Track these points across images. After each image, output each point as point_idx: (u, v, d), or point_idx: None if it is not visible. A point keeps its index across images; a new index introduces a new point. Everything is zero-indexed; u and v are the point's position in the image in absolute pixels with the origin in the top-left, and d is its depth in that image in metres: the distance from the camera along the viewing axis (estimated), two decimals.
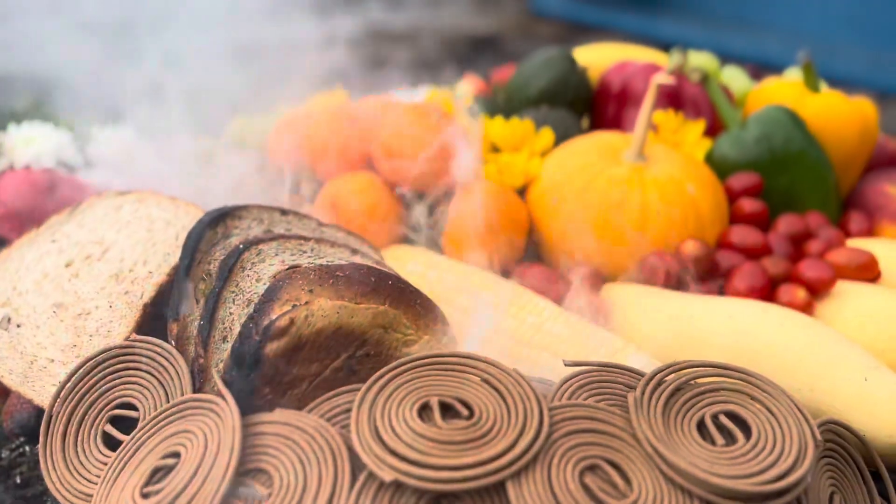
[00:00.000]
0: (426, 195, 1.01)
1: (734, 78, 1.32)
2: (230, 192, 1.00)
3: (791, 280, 0.92)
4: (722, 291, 0.94)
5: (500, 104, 1.22)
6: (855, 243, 1.00)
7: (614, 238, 0.95)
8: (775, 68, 1.47)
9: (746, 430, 0.61)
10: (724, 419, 0.62)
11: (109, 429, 0.67)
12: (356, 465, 0.58)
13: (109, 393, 0.69)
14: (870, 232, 1.07)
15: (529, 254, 1.02)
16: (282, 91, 1.20)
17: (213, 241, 0.75)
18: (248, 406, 0.63)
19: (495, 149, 1.09)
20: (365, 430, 0.58)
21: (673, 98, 1.14)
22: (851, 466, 0.67)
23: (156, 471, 0.60)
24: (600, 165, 0.99)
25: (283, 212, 0.82)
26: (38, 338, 0.77)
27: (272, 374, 0.64)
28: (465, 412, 0.60)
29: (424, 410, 0.60)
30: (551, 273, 0.92)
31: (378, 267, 0.72)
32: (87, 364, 0.69)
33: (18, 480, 0.74)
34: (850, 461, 0.67)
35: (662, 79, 0.98)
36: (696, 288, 0.93)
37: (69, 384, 0.69)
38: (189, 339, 0.71)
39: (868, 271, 0.94)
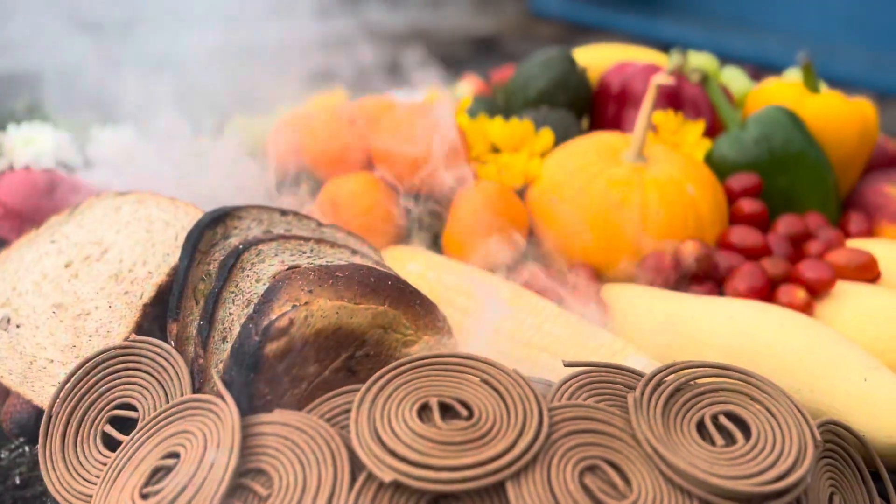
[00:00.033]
0: (426, 195, 1.01)
1: (734, 78, 1.32)
2: (230, 192, 1.00)
3: (791, 280, 0.92)
4: (722, 292, 0.94)
5: (499, 105, 1.22)
6: (854, 244, 1.00)
7: (614, 238, 0.95)
8: (775, 69, 1.47)
9: (746, 431, 0.61)
10: (723, 420, 0.62)
11: (109, 429, 0.67)
12: (356, 466, 0.58)
13: (109, 393, 0.69)
14: (869, 232, 1.07)
15: (529, 254, 1.02)
16: (282, 91, 1.20)
17: (212, 242, 0.75)
18: (248, 406, 0.63)
19: (495, 149, 1.09)
20: (364, 430, 0.58)
21: (672, 98, 1.14)
22: (851, 467, 0.67)
23: (155, 471, 0.60)
24: (600, 166, 0.99)
25: (283, 212, 0.82)
26: (38, 338, 0.77)
27: (272, 374, 0.64)
28: (464, 413, 0.60)
29: (424, 411, 0.60)
30: (551, 273, 0.92)
31: (378, 267, 0.72)
32: (87, 364, 0.69)
33: (18, 481, 0.74)
34: (850, 462, 0.67)
35: (662, 79, 0.98)
36: (695, 288, 0.93)
37: (69, 384, 0.69)
38: (188, 340, 0.71)
39: (868, 272, 0.94)
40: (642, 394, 0.62)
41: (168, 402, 0.66)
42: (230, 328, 0.68)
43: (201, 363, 0.68)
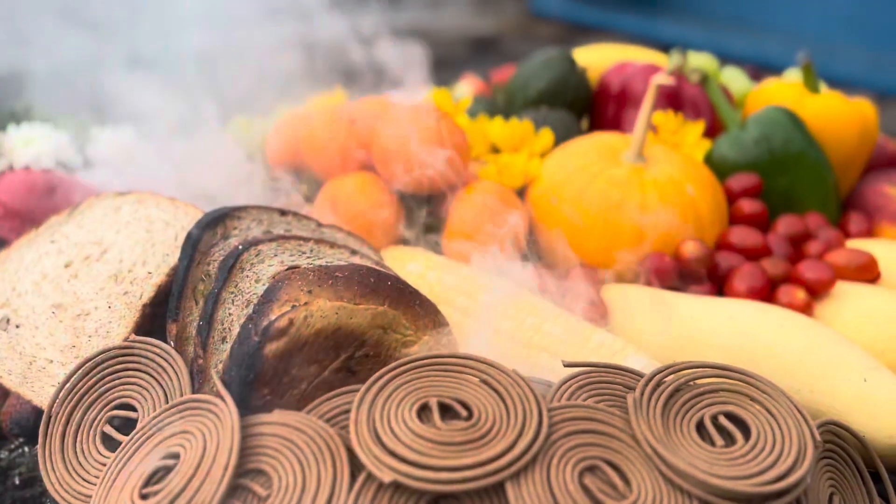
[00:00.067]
0: (426, 195, 1.01)
1: (734, 79, 1.32)
2: (229, 192, 1.00)
3: (791, 281, 0.92)
4: (721, 292, 0.94)
5: (499, 105, 1.22)
6: (854, 244, 1.00)
7: (614, 239, 0.95)
8: (775, 69, 1.47)
9: (746, 431, 0.61)
10: (723, 420, 0.62)
11: (108, 429, 0.67)
12: (355, 466, 0.58)
13: (108, 394, 0.69)
14: (869, 233, 1.07)
15: (529, 254, 1.01)
16: (281, 91, 1.20)
17: (212, 242, 0.75)
18: (247, 407, 0.63)
19: (495, 149, 1.09)
20: (364, 430, 0.58)
21: (672, 99, 1.14)
22: (851, 467, 0.67)
23: (155, 471, 0.60)
24: (600, 166, 0.99)
25: (283, 212, 0.82)
26: (37, 338, 0.77)
27: (271, 374, 0.64)
28: (464, 413, 0.59)
29: (423, 411, 0.60)
30: (550, 273, 0.92)
31: (377, 267, 0.72)
32: (87, 365, 0.69)
33: (17, 481, 0.74)
34: (850, 462, 0.67)
35: (662, 79, 0.98)
36: (695, 289, 0.93)
37: (68, 385, 0.69)
38: (188, 340, 0.71)
39: (867, 272, 0.94)
40: (642, 394, 0.62)
41: (168, 403, 0.66)
42: (230, 328, 0.68)
43: (201, 363, 0.68)
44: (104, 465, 0.65)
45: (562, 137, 1.10)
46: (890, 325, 0.85)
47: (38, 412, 0.75)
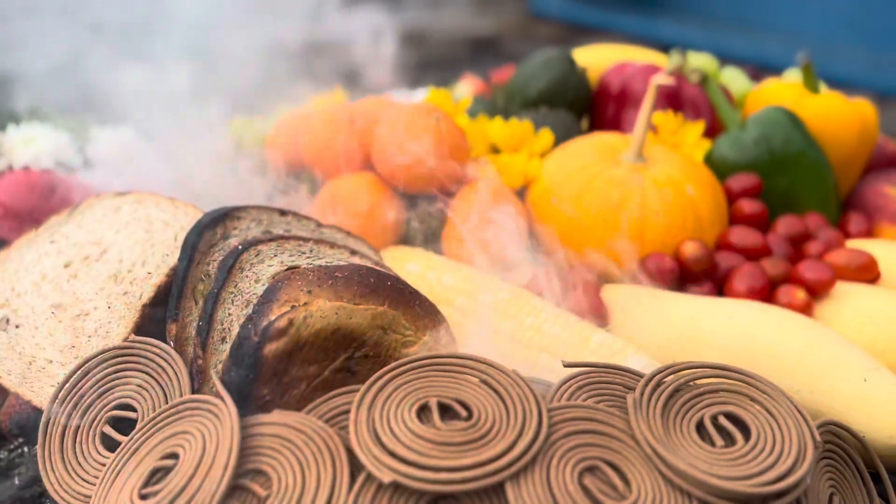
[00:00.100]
0: (426, 195, 1.01)
1: (733, 79, 1.32)
2: (229, 192, 1.00)
3: (790, 281, 0.92)
4: (721, 292, 0.94)
5: (499, 105, 1.22)
6: (854, 244, 1.00)
7: (613, 239, 0.95)
8: (775, 69, 1.47)
9: (746, 432, 0.61)
10: (723, 420, 0.62)
11: (108, 430, 0.67)
12: (355, 467, 0.58)
13: (108, 394, 0.69)
14: (869, 233, 1.07)
15: (529, 254, 1.01)
16: (281, 91, 1.20)
17: (211, 242, 0.75)
18: (247, 407, 0.63)
19: (495, 149, 1.09)
20: (363, 431, 0.58)
21: (672, 99, 1.14)
22: (851, 468, 0.67)
23: (154, 472, 0.60)
24: (599, 166, 0.99)
25: (282, 212, 0.82)
26: (37, 338, 0.77)
27: (271, 375, 0.64)
28: (463, 413, 0.59)
29: (423, 412, 0.60)
30: (550, 274, 0.92)
31: (377, 268, 0.72)
32: (86, 365, 0.69)
33: (17, 481, 0.74)
34: (850, 462, 0.67)
35: (662, 80, 0.98)
36: (695, 289, 0.93)
37: (68, 385, 0.69)
38: (188, 340, 0.71)
39: (867, 272, 0.94)
40: (642, 394, 0.62)
41: (167, 403, 0.66)
42: (229, 329, 0.68)
43: (200, 364, 0.68)
44: (104, 465, 0.65)
45: (562, 137, 1.10)
46: (890, 325, 0.85)
47: (37, 412, 0.75)
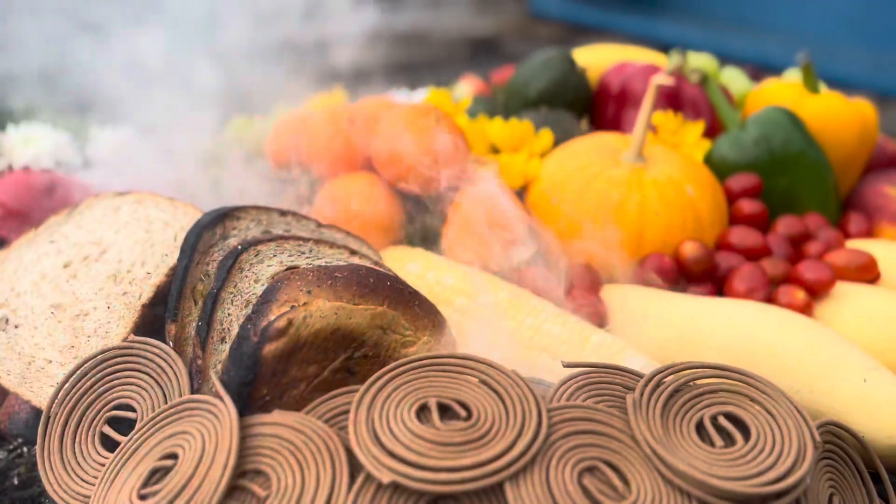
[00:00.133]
0: (425, 196, 1.00)
1: (733, 79, 1.32)
2: (229, 192, 1.00)
3: (790, 281, 0.92)
4: (721, 292, 0.94)
5: (499, 105, 1.22)
6: (854, 244, 1.00)
7: (613, 239, 0.95)
8: (775, 69, 1.47)
9: (745, 432, 0.61)
10: (722, 420, 0.62)
11: (107, 430, 0.67)
12: (354, 467, 0.58)
13: (107, 394, 0.69)
14: (869, 233, 1.07)
15: (528, 254, 1.01)
16: (281, 91, 1.20)
17: (211, 242, 0.75)
18: (246, 407, 0.63)
19: (495, 149, 1.09)
20: (363, 431, 0.58)
21: (672, 99, 1.14)
22: (851, 468, 0.67)
23: (153, 472, 0.60)
24: (599, 166, 0.99)
25: (282, 213, 0.82)
26: (36, 338, 0.77)
27: (270, 375, 0.64)
28: (463, 413, 0.59)
29: (422, 412, 0.60)
30: (550, 274, 0.92)
31: (377, 268, 0.72)
32: (85, 365, 0.69)
33: (16, 482, 0.74)
34: (850, 463, 0.67)
35: (662, 80, 0.98)
36: (695, 289, 0.93)
37: (67, 385, 0.69)
38: (187, 340, 0.71)
39: (867, 272, 0.94)
40: (641, 394, 0.62)
41: (166, 403, 0.66)
42: (229, 329, 0.68)
43: (200, 364, 0.68)
44: (103, 465, 0.65)
45: (561, 138, 1.10)
46: (890, 326, 0.85)
47: (36, 412, 0.75)
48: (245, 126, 1.21)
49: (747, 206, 1.01)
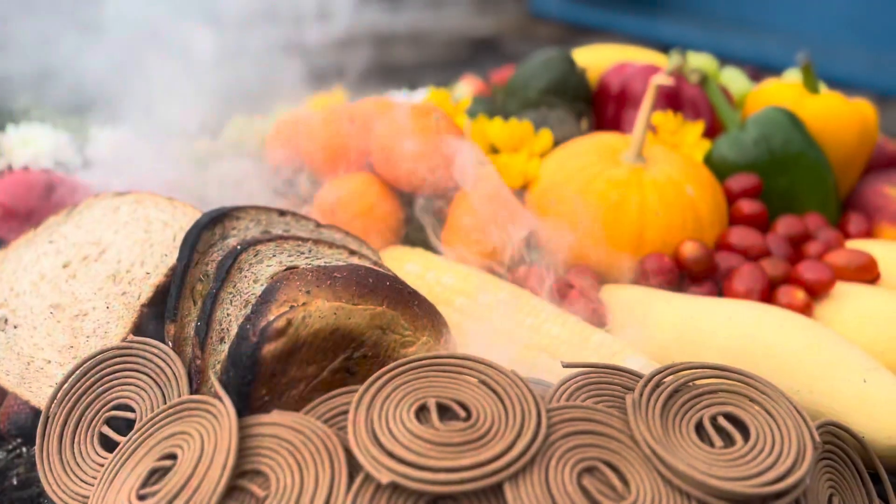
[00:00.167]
0: (425, 196, 1.00)
1: (733, 79, 1.32)
2: (228, 192, 1.00)
3: (790, 281, 0.92)
4: (721, 293, 0.93)
5: (499, 105, 1.22)
6: (854, 245, 1.00)
7: (613, 239, 0.95)
8: (775, 69, 1.47)
9: (745, 432, 0.61)
10: (722, 421, 0.62)
11: (106, 430, 0.67)
12: (353, 467, 0.57)
13: (106, 394, 0.69)
14: (869, 233, 1.07)
15: (528, 254, 1.01)
16: (280, 92, 1.20)
17: (210, 242, 0.75)
18: (245, 408, 0.63)
19: (494, 150, 1.09)
20: (362, 431, 0.58)
21: (672, 99, 1.14)
22: (850, 468, 0.67)
23: (152, 472, 0.60)
24: (599, 166, 0.99)
25: (281, 213, 0.82)
26: (35, 339, 0.77)
27: (269, 375, 0.64)
28: (462, 414, 0.59)
29: (422, 412, 0.59)
30: (550, 274, 0.92)
31: (376, 268, 0.72)
32: (84, 365, 0.69)
33: (15, 482, 0.74)
34: (849, 463, 0.67)
35: (661, 80, 0.98)
36: (694, 289, 0.93)
37: (66, 385, 0.69)
38: (186, 341, 0.71)
39: (867, 273, 0.94)
40: (641, 395, 0.62)
41: (165, 403, 0.66)
42: (228, 329, 0.68)
43: (199, 364, 0.68)
44: (102, 465, 0.65)
45: (561, 138, 1.10)
46: (890, 326, 0.85)
47: (35, 412, 0.75)
48: (245, 126, 1.21)
49: (747, 206, 1.01)
